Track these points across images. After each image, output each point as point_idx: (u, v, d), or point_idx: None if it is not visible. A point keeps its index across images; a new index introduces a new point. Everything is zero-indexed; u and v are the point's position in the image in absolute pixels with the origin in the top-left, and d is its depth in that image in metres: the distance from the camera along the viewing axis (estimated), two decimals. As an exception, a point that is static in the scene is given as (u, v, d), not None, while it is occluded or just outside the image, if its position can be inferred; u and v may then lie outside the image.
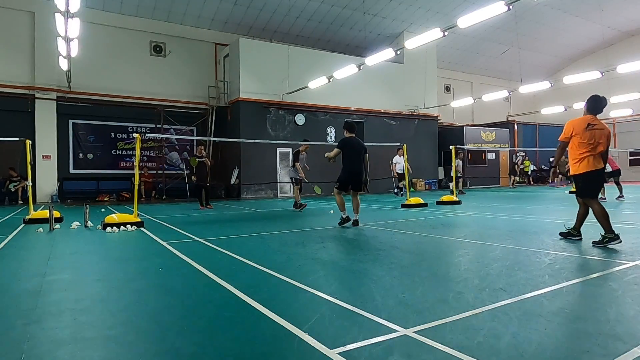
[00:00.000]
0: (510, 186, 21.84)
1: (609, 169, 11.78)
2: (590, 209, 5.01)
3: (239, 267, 4.14)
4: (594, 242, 4.90)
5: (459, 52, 25.18)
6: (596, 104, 5.03)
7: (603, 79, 17.22)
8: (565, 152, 5.33)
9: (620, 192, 11.72)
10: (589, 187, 4.99)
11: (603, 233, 4.83)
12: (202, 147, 12.64)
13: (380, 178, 19.14)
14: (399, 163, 15.41)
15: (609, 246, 4.70)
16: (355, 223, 7.09)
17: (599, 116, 5.08)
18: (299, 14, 19.11)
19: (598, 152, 4.91)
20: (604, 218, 4.82)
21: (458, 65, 26.47)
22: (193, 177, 12.08)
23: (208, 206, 11.80)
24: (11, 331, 2.48)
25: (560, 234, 5.45)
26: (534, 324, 2.39)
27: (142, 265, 4.39)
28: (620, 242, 4.73)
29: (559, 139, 5.21)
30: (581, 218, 5.17)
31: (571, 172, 5.16)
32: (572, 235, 5.25)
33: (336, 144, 20.85)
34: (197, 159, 11.83)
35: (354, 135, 7.46)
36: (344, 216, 7.17)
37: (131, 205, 9.57)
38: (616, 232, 4.77)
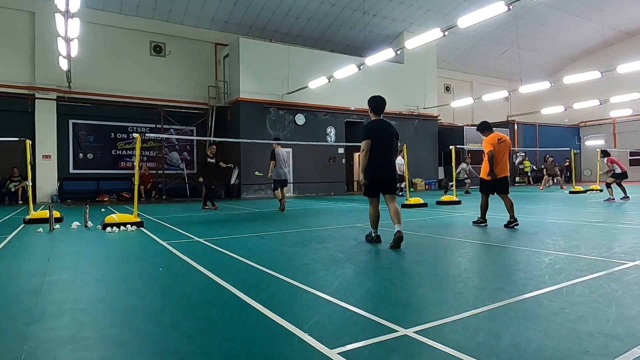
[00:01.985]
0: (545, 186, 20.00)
1: (617, 170, 11.83)
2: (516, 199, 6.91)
3: (239, 267, 4.14)
4: (473, 222, 6.95)
5: (459, 52, 25.17)
6: (490, 126, 7.08)
7: (603, 79, 17.23)
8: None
9: (625, 193, 11.82)
10: (485, 188, 6.89)
11: (479, 216, 6.84)
12: (214, 146, 12.23)
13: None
14: (400, 164, 15.39)
15: (480, 226, 6.69)
16: (399, 238, 4.88)
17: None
18: (299, 14, 19.11)
19: (504, 162, 6.75)
20: (485, 208, 6.78)
21: (458, 65, 26.47)
22: (200, 179, 11.67)
23: (214, 207, 11.57)
24: (11, 331, 2.48)
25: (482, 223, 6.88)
26: (534, 324, 2.39)
27: (142, 265, 4.39)
28: (486, 225, 6.70)
29: (487, 152, 6.80)
30: (509, 207, 6.65)
31: (481, 175, 6.95)
32: (513, 223, 6.53)
33: (336, 144, 20.68)
34: (209, 159, 11.64)
35: (381, 118, 5.41)
36: (373, 234, 5.32)
37: (131, 205, 9.58)
38: (486, 219, 6.80)
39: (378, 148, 5.18)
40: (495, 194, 6.86)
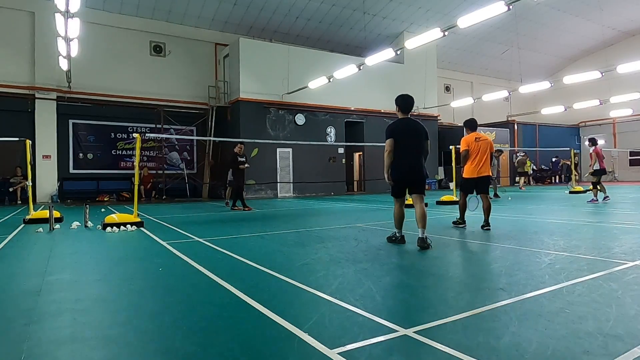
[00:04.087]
0: (521, 188, 19.96)
1: (596, 166, 11.04)
2: (484, 201, 6.63)
3: (239, 267, 4.14)
4: (453, 223, 6.86)
5: (459, 52, 25.18)
6: (473, 124, 6.90)
7: (603, 79, 17.23)
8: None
9: (595, 195, 11.19)
10: (464, 187, 6.84)
11: (458, 217, 6.79)
12: (243, 145, 11.64)
13: (380, 178, 19.19)
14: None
15: (459, 227, 6.63)
16: (422, 243, 4.86)
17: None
18: (299, 14, 19.11)
19: (484, 161, 6.54)
20: (463, 208, 6.75)
21: (458, 65, 26.47)
22: (242, 166, 11.11)
23: (247, 208, 11.18)
24: (11, 331, 2.48)
25: (454, 223, 6.91)
26: (534, 324, 2.39)
27: (142, 265, 4.39)
28: (465, 227, 6.62)
29: (460, 151, 6.83)
30: (485, 209, 6.54)
31: (464, 175, 6.84)
32: (486, 227, 6.41)
33: (336, 144, 20.60)
34: (240, 158, 11.18)
35: (408, 116, 5.25)
36: (397, 234, 5.21)
37: (131, 205, 9.57)
38: (465, 220, 6.76)
39: (404, 147, 5.08)
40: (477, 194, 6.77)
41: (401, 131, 5.09)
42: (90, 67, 16.62)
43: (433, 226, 7.00)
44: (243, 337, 2.33)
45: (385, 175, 5.16)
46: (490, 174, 6.72)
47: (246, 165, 11.27)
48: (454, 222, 6.89)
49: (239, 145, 11.38)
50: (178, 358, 2.07)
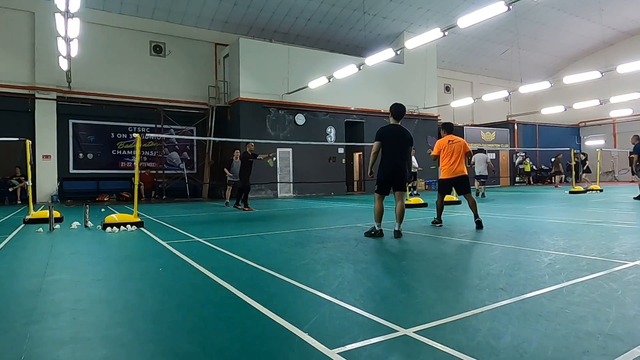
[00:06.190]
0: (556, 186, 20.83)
1: None
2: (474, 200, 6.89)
3: (239, 267, 4.14)
4: (432, 223, 7.00)
5: (459, 52, 25.16)
6: (450, 127, 7.20)
7: (603, 79, 17.22)
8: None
9: None
10: (441, 187, 7.21)
11: (435, 217, 7.01)
12: (254, 145, 11.47)
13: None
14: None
15: (436, 226, 6.79)
16: (397, 234, 5.69)
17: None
18: (299, 14, 19.11)
19: (459, 161, 6.79)
20: (441, 208, 7.05)
21: (458, 65, 26.46)
22: (261, 156, 11.09)
23: (247, 208, 11.14)
24: (11, 331, 2.48)
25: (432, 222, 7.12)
26: (534, 324, 2.39)
27: (142, 265, 4.39)
28: (441, 226, 6.79)
29: (432, 154, 7.26)
30: (471, 205, 6.73)
31: (440, 176, 7.12)
32: (436, 223, 6.92)
33: (336, 144, 20.60)
34: (250, 159, 11.05)
35: (399, 123, 5.90)
36: (377, 227, 5.77)
37: (131, 205, 9.57)
38: (442, 220, 6.97)
39: (391, 151, 5.73)
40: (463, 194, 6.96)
41: (389, 136, 5.75)
42: (90, 67, 16.62)
43: (433, 226, 7.00)
44: (243, 337, 2.32)
45: (369, 170, 6.01)
46: (467, 173, 6.88)
47: (266, 159, 11.52)
48: (432, 222, 7.06)
49: (250, 144, 11.28)
50: (178, 358, 2.07)
